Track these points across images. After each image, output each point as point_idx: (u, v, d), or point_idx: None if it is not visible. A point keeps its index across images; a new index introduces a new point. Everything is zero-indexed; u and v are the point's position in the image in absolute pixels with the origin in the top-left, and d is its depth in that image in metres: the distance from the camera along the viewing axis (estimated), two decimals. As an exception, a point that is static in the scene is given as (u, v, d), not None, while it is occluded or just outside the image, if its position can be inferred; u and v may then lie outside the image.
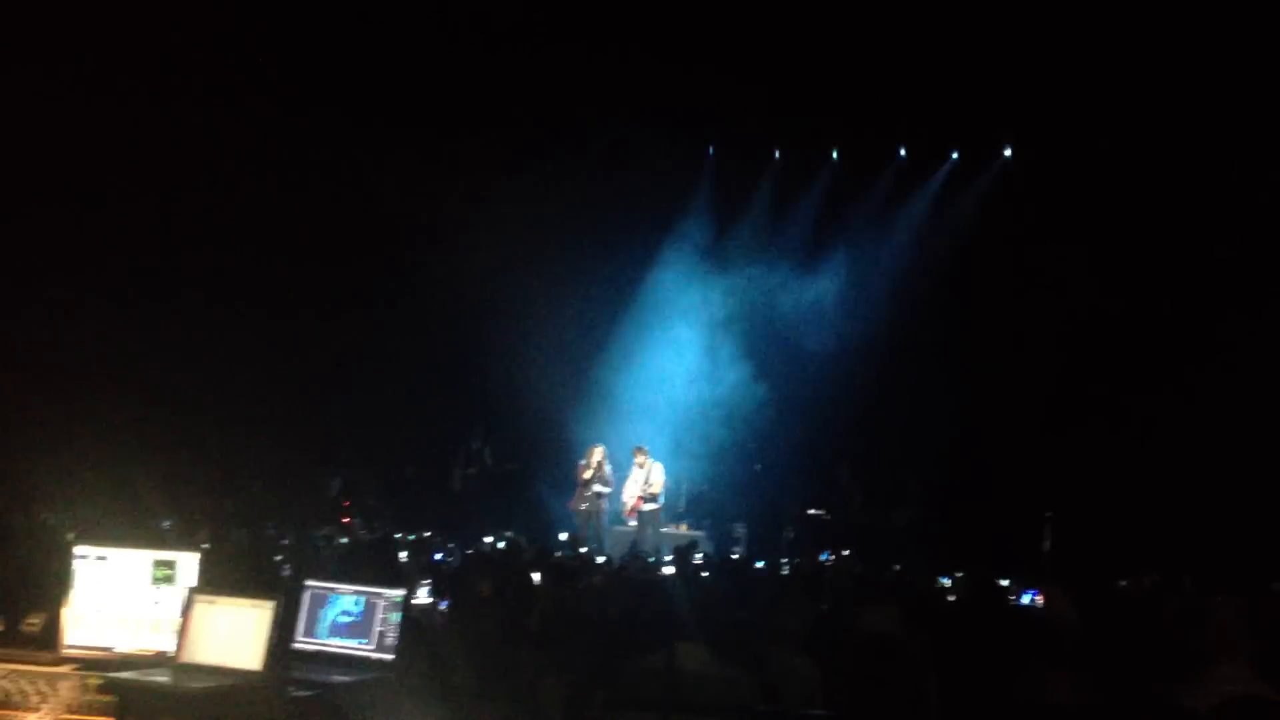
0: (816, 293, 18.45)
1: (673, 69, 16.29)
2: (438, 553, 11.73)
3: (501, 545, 13.71)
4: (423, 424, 18.44)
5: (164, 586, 5.47)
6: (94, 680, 5.01)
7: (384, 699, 5.27)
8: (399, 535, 13.92)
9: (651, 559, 12.77)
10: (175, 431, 15.33)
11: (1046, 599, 8.31)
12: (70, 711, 4.97)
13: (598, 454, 17.04)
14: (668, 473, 17.13)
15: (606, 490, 16.98)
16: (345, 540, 12.97)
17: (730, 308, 18.63)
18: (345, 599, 5.59)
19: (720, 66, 16.37)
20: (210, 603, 5.20)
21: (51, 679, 5.05)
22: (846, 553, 13.54)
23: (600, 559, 12.56)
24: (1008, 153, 18.17)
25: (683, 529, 16.93)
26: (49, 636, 5.42)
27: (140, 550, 5.57)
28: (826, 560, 13.26)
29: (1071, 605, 7.28)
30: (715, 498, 17.87)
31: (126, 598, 5.45)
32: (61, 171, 14.49)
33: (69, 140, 14.37)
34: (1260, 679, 4.93)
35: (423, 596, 7.43)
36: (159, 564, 5.50)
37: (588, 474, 16.94)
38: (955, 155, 18.56)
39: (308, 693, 5.03)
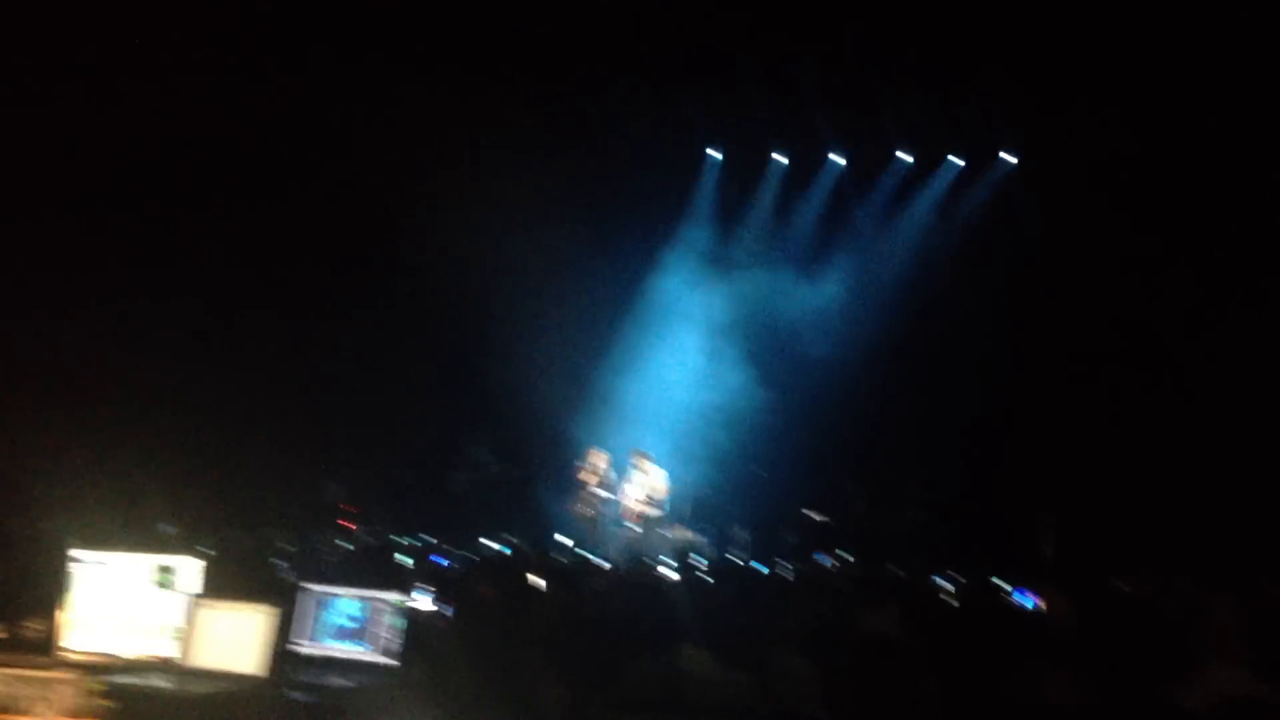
0: (818, 297, 18.45)
1: (675, 71, 16.33)
2: (439, 557, 11.72)
3: (503, 549, 13.71)
4: (423, 428, 18.43)
5: (165, 591, 5.49)
6: (95, 685, 5.02)
7: (385, 703, 5.28)
8: (401, 540, 13.94)
9: (653, 563, 12.77)
10: (175, 436, 15.32)
11: (1045, 600, 8.33)
12: (71, 716, 4.99)
13: (600, 459, 17.05)
14: (670, 477, 17.12)
15: (609, 495, 16.98)
16: (347, 544, 12.98)
17: (732, 312, 18.62)
18: (346, 603, 5.61)
19: (723, 69, 16.42)
20: (212, 608, 5.22)
21: (52, 684, 5.06)
22: (847, 556, 13.52)
23: (602, 564, 12.55)
24: (1011, 159, 18.15)
25: (685, 533, 16.91)
26: (49, 641, 5.43)
27: (140, 555, 5.59)
28: (827, 563, 13.25)
29: (1070, 606, 7.30)
30: (716, 501, 17.87)
31: (127, 602, 5.46)
32: (52, 172, 14.47)
33: (60, 141, 14.36)
34: (1258, 680, 4.94)
35: (426, 603, 7.43)
36: (159, 569, 5.52)
37: (590, 479, 16.94)
38: (959, 161, 18.53)
39: (309, 697, 5.04)
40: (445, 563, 11.36)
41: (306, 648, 5.55)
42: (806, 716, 5.72)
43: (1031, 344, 16.45)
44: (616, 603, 8.06)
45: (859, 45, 15.57)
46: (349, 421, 17.63)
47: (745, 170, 19.36)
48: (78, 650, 5.35)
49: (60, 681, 5.06)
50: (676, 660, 5.76)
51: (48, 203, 14.40)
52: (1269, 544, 12.91)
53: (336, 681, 5.26)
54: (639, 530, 16.75)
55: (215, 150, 15.56)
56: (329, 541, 13.39)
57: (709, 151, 19.28)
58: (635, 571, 11.03)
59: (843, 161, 18.86)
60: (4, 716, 4.95)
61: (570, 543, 15.71)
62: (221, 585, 5.60)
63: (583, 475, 17.03)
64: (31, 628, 5.60)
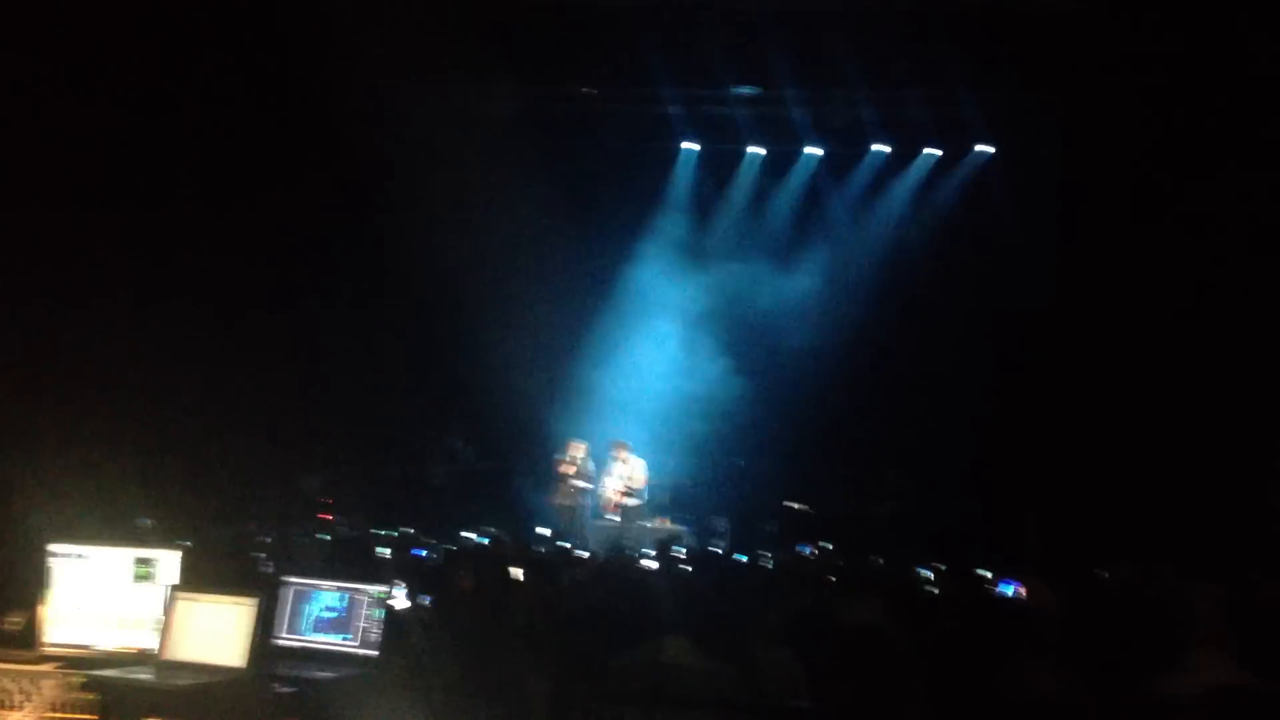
0: (795, 287, 18.46)
1: (651, 62, 16.32)
2: (418, 549, 11.69)
3: (483, 541, 13.68)
4: (402, 421, 18.42)
5: (144, 584, 5.46)
6: (76, 678, 5.00)
7: (366, 695, 5.27)
8: (380, 532, 13.90)
9: (633, 553, 12.76)
10: (154, 429, 15.26)
11: (1028, 590, 8.34)
12: (52, 710, 4.96)
13: (579, 450, 17.05)
14: (650, 468, 17.14)
15: (588, 486, 16.98)
16: (326, 537, 12.94)
17: (709, 302, 18.61)
18: (327, 595, 5.59)
19: (698, 60, 16.41)
20: (193, 600, 5.19)
21: (33, 678, 5.04)
22: (828, 545, 13.52)
23: (582, 554, 12.54)
24: (988, 149, 18.18)
25: (664, 523, 16.92)
26: (29, 635, 5.40)
27: (120, 548, 5.56)
28: (808, 553, 13.25)
29: (1053, 596, 7.31)
30: (696, 492, 17.89)
31: (107, 595, 5.43)
32: (28, 166, 14.37)
33: (36, 140, 14.27)
34: (1241, 667, 4.96)
35: (400, 599, 7.40)
36: (139, 561, 5.49)
37: (569, 469, 16.93)
38: (936, 151, 18.56)
39: (290, 689, 5.02)
40: (423, 553, 11.33)
41: (287, 640, 5.53)
42: (790, 707, 5.73)
43: (1011, 334, 16.50)
44: (597, 593, 8.07)
45: (835, 33, 15.59)
46: (327, 414, 17.59)
47: (722, 161, 19.35)
48: (58, 644, 5.31)
49: (41, 675, 5.04)
50: (658, 651, 5.76)
51: (25, 196, 14.29)
52: (1250, 533, 12.99)
53: (317, 673, 5.24)
54: (618, 520, 16.76)
55: (194, 145, 15.48)
56: (308, 534, 13.33)
57: (685, 144, 19.24)
58: (615, 562, 11.03)
59: (819, 152, 18.85)
60: (-15, 710, 4.94)
61: (549, 533, 15.68)
62: (201, 578, 5.57)
63: (561, 466, 17.02)
64: (11, 622, 5.56)
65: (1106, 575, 9.60)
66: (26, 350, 13.97)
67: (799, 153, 18.94)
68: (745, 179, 19.38)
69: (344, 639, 5.51)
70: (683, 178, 19.44)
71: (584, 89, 17.72)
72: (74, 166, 14.61)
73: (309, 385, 17.23)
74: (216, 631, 5.06)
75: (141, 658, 5.20)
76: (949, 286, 17.42)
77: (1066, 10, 14.25)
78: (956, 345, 16.85)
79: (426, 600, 7.46)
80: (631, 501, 16.80)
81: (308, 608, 5.59)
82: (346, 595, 5.57)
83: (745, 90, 17.67)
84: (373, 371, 17.82)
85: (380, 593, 5.59)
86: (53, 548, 5.50)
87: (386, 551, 11.07)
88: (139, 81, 14.85)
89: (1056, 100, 16.16)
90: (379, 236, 17.22)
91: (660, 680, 5.61)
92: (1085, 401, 15.75)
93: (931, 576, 10.15)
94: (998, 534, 14.42)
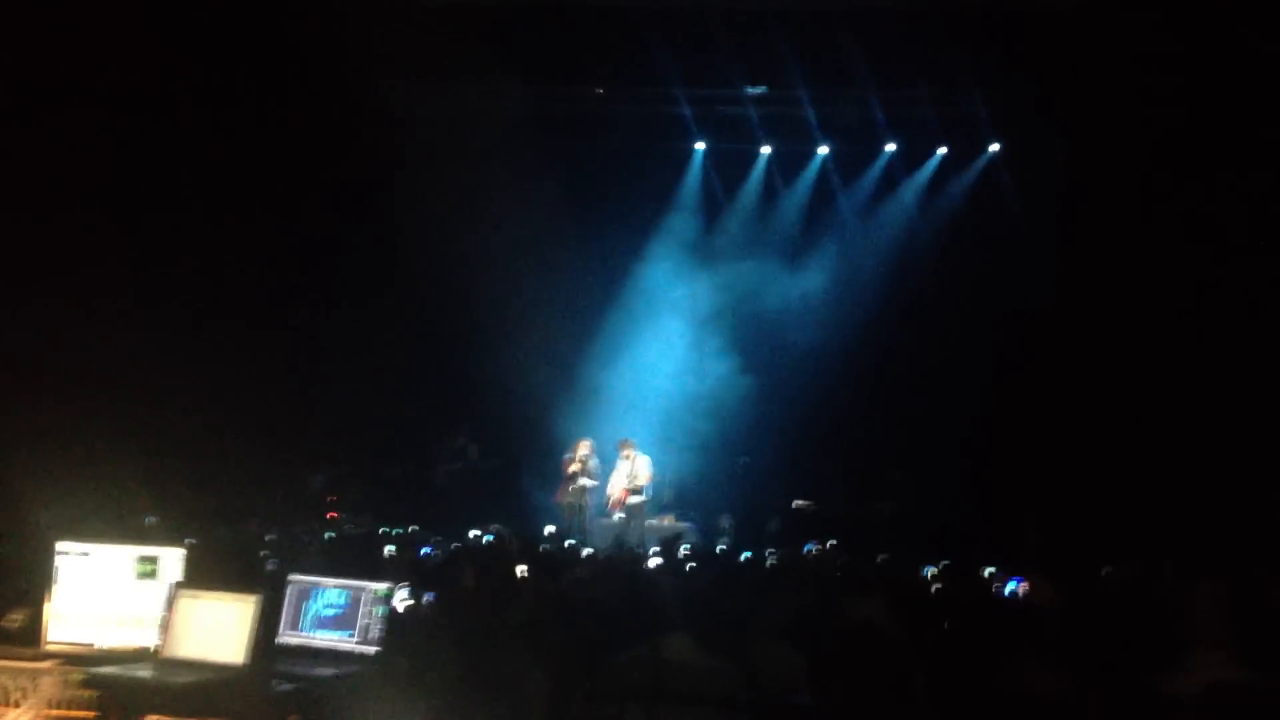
0: (803, 286, 18.45)
1: (659, 62, 16.34)
2: (424, 547, 11.70)
3: (487, 538, 13.68)
4: (407, 418, 18.42)
5: (147, 582, 5.47)
6: (77, 676, 5.01)
7: (368, 692, 5.27)
8: (384, 530, 13.91)
9: (637, 551, 12.77)
10: (157, 427, 15.28)
11: (1030, 588, 8.34)
12: (53, 707, 4.97)
13: (584, 447, 17.02)
14: (654, 465, 17.13)
15: (592, 483, 16.96)
16: (330, 534, 12.96)
17: (717, 301, 18.60)
18: (330, 592, 5.60)
19: (707, 60, 16.43)
20: (194, 597, 5.20)
21: (34, 675, 5.05)
22: (831, 543, 13.52)
23: (586, 551, 12.55)
24: (995, 147, 18.17)
25: (668, 521, 16.92)
26: (31, 632, 5.41)
27: (123, 546, 5.57)
28: (811, 551, 13.25)
29: (1054, 594, 7.32)
30: (701, 490, 17.88)
31: (109, 593, 5.45)
32: (32, 169, 14.40)
33: (37, 140, 14.29)
34: (1242, 665, 4.96)
35: (403, 598, 7.42)
36: (142, 559, 5.50)
37: (574, 467, 16.91)
38: (943, 150, 18.55)
39: (292, 686, 5.03)
40: (428, 550, 11.35)
41: (290, 637, 5.54)
42: (791, 704, 5.73)
43: (1012, 333, 16.50)
44: (600, 591, 8.07)
45: (843, 33, 15.60)
46: (331, 412, 17.60)
47: (730, 161, 19.34)
48: (62, 641, 5.33)
49: (42, 672, 5.04)
50: (660, 648, 5.76)
51: (28, 197, 14.32)
52: (1249, 529, 12.97)
53: (320, 670, 5.24)
54: (623, 518, 16.75)
55: (196, 145, 15.50)
56: (312, 531, 13.36)
57: (694, 144, 19.24)
58: (619, 559, 11.03)
59: (827, 150, 18.84)
60: (-10, 708, 4.95)
61: (554, 530, 15.69)
62: (204, 575, 5.58)
63: (567, 463, 17.01)
64: (16, 619, 5.58)
65: (1107, 573, 9.60)
66: (32, 350, 14.00)
67: (807, 152, 18.92)
68: (753, 178, 19.37)
69: (346, 636, 5.51)
70: (691, 177, 19.43)
71: (594, 89, 17.76)
72: (75, 166, 14.64)
73: (313, 383, 17.24)
74: (218, 629, 5.07)
75: (143, 655, 5.21)
76: (951, 285, 17.42)
77: (1071, 9, 14.25)
78: (958, 344, 16.85)
79: (429, 597, 7.47)
80: (636, 499, 16.78)
81: (310, 605, 5.60)
82: (349, 592, 5.58)
83: (754, 90, 17.67)
84: (378, 369, 17.81)
85: (383, 590, 5.59)
86: (60, 545, 5.51)
87: (392, 549, 11.11)
88: (142, 83, 14.88)
89: (1060, 99, 16.16)
90: (386, 235, 17.23)
91: (661, 677, 5.61)
92: (1086, 399, 15.75)
93: (934, 575, 10.15)
94: (999, 532, 14.41)
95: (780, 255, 18.70)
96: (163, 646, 5.13)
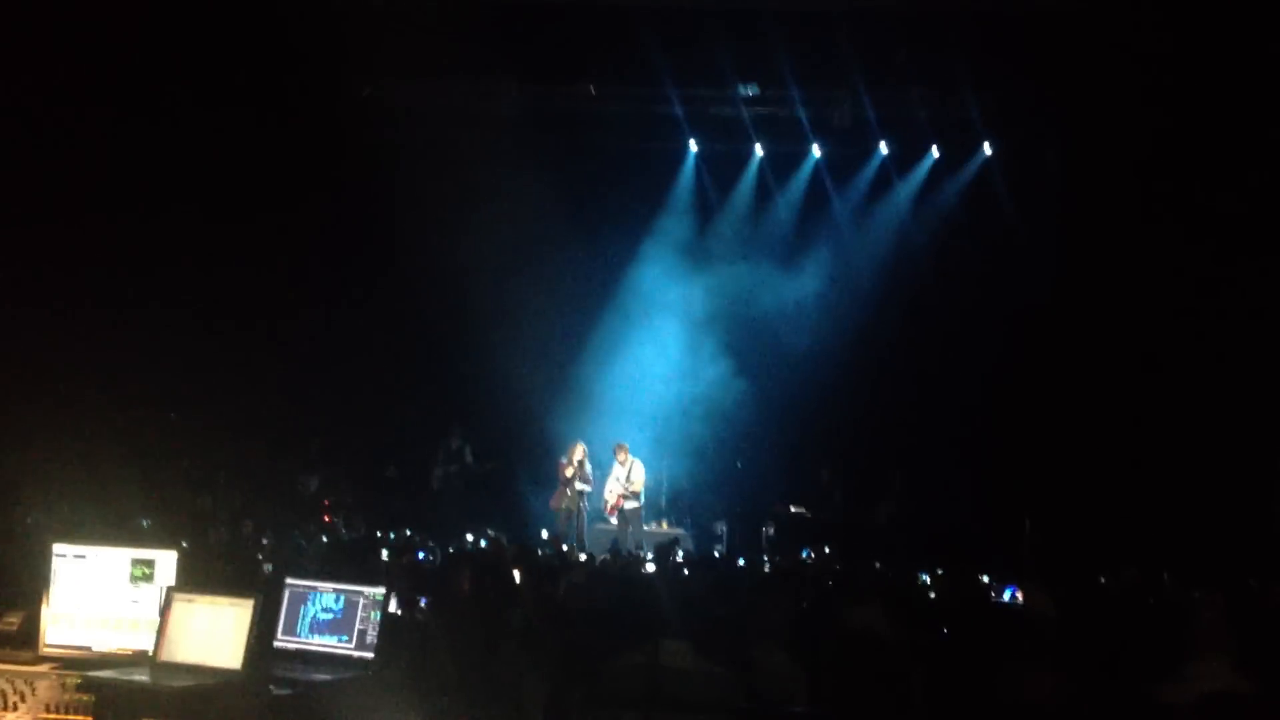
0: (797, 289, 18.42)
1: (653, 62, 16.34)
2: (419, 551, 11.70)
3: (482, 543, 13.67)
4: (402, 422, 18.38)
5: (142, 585, 5.45)
6: (72, 679, 4.99)
7: (364, 697, 5.25)
8: (379, 534, 13.90)
9: (633, 556, 12.76)
10: (153, 430, 15.27)
11: (1026, 596, 8.33)
12: (48, 711, 4.95)
13: (579, 451, 16.99)
14: (649, 470, 17.11)
15: (587, 488, 16.93)
16: (325, 539, 12.94)
17: (711, 304, 18.56)
18: (325, 596, 5.57)
19: (701, 60, 16.43)
20: (189, 601, 5.17)
21: (30, 678, 5.03)
22: (827, 549, 13.53)
23: (581, 556, 12.54)
24: (989, 148, 18.16)
25: (664, 526, 16.91)
26: (27, 636, 5.39)
27: (118, 549, 5.55)
28: (807, 557, 13.26)
29: (1051, 601, 7.31)
30: (696, 495, 17.86)
31: (105, 597, 5.42)
32: (31, 171, 14.38)
33: (38, 142, 14.28)
34: (1239, 674, 4.95)
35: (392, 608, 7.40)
36: (137, 563, 5.48)
37: (569, 471, 16.88)
38: (935, 152, 18.54)
39: (288, 691, 5.01)
40: (422, 555, 11.34)
41: (286, 641, 5.52)
42: (788, 710, 5.72)
43: (1010, 337, 16.47)
44: (595, 596, 8.05)
45: (836, 34, 15.61)
46: (328, 416, 17.59)
47: (724, 161, 19.31)
48: (58, 645, 5.31)
49: (38, 676, 5.03)
50: (656, 654, 5.75)
51: (28, 199, 14.31)
52: (1247, 539, 12.97)
53: (315, 675, 5.22)
54: (617, 523, 16.74)
55: (193, 147, 15.48)
56: (308, 535, 13.34)
57: (687, 144, 19.22)
58: (614, 564, 11.03)
59: (820, 152, 18.82)
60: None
61: (548, 535, 15.68)
62: (199, 579, 5.56)
63: (562, 468, 16.99)
64: (12, 622, 5.55)
65: (1105, 581, 9.60)
66: (28, 352, 13.98)
67: (800, 152, 18.90)
68: (746, 179, 19.34)
69: (341, 641, 5.49)
70: (684, 178, 19.40)
71: (588, 87, 17.75)
72: (75, 169, 14.62)
73: (308, 387, 17.22)
74: (212, 633, 5.04)
75: (138, 659, 5.19)
76: (946, 288, 17.39)
77: (1066, 10, 14.26)
78: (953, 347, 16.82)
79: (422, 602, 7.46)
80: (631, 504, 16.76)
81: (306, 609, 5.57)
82: (344, 597, 5.55)
83: (748, 90, 17.67)
84: (373, 373, 17.79)
85: (378, 594, 5.57)
86: (57, 548, 5.49)
87: (386, 554, 11.09)
88: (140, 85, 14.87)
89: (1057, 100, 16.16)
90: (380, 236, 17.22)
91: (657, 683, 5.60)
92: (1083, 404, 15.73)
93: (930, 582, 10.15)
94: (996, 539, 14.40)
95: (774, 257, 18.65)
96: (158, 650, 5.10)
